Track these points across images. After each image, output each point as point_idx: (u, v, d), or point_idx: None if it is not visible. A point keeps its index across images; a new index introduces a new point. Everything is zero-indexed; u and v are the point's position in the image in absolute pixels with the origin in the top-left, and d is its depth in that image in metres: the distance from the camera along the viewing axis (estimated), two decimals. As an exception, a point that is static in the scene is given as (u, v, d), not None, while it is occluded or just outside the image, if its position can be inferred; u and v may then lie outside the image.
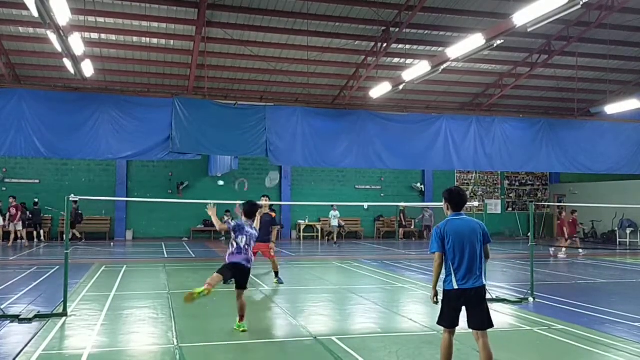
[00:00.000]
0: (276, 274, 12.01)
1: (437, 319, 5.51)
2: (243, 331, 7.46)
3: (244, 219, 7.72)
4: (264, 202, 11.93)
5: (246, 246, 7.53)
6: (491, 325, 5.35)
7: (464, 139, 18.75)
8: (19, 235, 20.94)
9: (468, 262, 5.28)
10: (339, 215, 23.35)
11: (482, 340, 5.31)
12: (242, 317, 7.63)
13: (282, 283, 11.83)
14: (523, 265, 15.56)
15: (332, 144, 17.71)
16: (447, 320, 5.39)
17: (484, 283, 5.36)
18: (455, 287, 5.27)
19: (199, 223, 24.64)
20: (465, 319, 5.39)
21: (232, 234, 7.55)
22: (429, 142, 18.49)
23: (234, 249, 7.50)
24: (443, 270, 5.41)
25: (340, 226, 23.76)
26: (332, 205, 23.50)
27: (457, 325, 5.40)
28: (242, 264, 7.46)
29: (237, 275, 7.49)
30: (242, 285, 7.58)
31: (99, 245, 20.80)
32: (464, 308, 5.37)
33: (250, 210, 7.80)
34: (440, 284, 5.45)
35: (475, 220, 5.48)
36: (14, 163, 23.01)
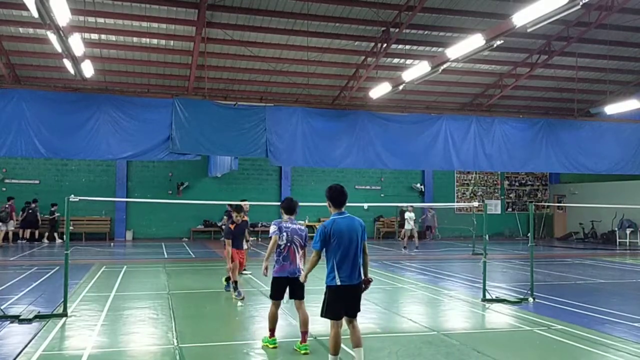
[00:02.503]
0: (235, 283, 10.31)
1: (320, 312, 5.63)
2: (305, 353, 6.40)
3: (285, 217, 6.89)
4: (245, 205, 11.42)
5: (289, 245, 6.64)
6: (359, 310, 5.65)
7: (463, 139, 18.77)
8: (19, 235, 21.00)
9: (351, 260, 5.51)
10: (414, 217, 20.42)
11: (353, 324, 5.63)
12: (304, 335, 6.51)
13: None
14: (523, 265, 15.56)
15: (332, 144, 17.72)
16: (333, 312, 5.56)
17: (362, 279, 5.63)
18: (339, 283, 5.48)
19: (199, 223, 24.65)
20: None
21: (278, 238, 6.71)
22: (428, 143, 18.50)
23: (276, 255, 6.71)
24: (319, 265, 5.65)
25: (412, 228, 20.43)
26: (409, 207, 20.93)
27: (342, 317, 5.58)
28: (286, 276, 6.62)
29: (288, 288, 6.68)
30: (296, 295, 6.68)
31: (99, 246, 20.80)
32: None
33: (289, 206, 6.89)
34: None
35: (357, 219, 5.70)
36: (14, 163, 23.00)
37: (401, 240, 20.66)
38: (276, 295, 6.70)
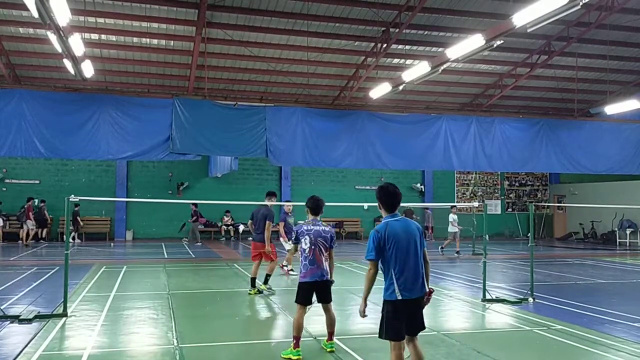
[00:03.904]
0: (253, 280, 10.60)
1: (379, 333, 4.90)
2: (331, 351, 6.50)
3: (309, 217, 6.71)
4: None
5: (313, 248, 6.38)
6: (424, 327, 4.99)
7: (463, 140, 18.78)
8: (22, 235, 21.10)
9: (412, 269, 4.82)
10: (457, 219, 19.04)
11: (414, 343, 4.93)
12: (331, 335, 6.64)
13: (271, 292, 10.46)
14: (523, 265, 15.56)
15: (332, 144, 17.73)
16: (395, 332, 4.80)
17: (426, 290, 4.92)
18: (399, 297, 4.76)
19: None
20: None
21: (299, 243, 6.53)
22: (428, 143, 18.52)
23: (302, 260, 6.48)
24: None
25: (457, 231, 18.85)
26: (452, 208, 19.52)
27: (404, 336, 4.85)
28: (315, 280, 6.39)
29: (315, 292, 6.48)
30: (324, 299, 6.54)
31: (99, 246, 20.80)
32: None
33: (316, 206, 6.71)
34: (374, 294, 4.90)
35: (413, 222, 5.01)
36: (14, 163, 23.00)
37: (444, 245, 19.10)
38: (303, 301, 6.43)
